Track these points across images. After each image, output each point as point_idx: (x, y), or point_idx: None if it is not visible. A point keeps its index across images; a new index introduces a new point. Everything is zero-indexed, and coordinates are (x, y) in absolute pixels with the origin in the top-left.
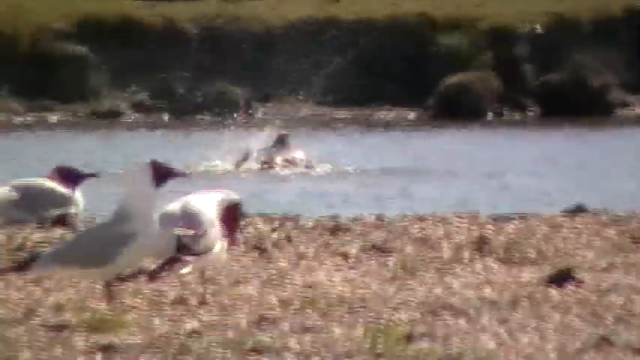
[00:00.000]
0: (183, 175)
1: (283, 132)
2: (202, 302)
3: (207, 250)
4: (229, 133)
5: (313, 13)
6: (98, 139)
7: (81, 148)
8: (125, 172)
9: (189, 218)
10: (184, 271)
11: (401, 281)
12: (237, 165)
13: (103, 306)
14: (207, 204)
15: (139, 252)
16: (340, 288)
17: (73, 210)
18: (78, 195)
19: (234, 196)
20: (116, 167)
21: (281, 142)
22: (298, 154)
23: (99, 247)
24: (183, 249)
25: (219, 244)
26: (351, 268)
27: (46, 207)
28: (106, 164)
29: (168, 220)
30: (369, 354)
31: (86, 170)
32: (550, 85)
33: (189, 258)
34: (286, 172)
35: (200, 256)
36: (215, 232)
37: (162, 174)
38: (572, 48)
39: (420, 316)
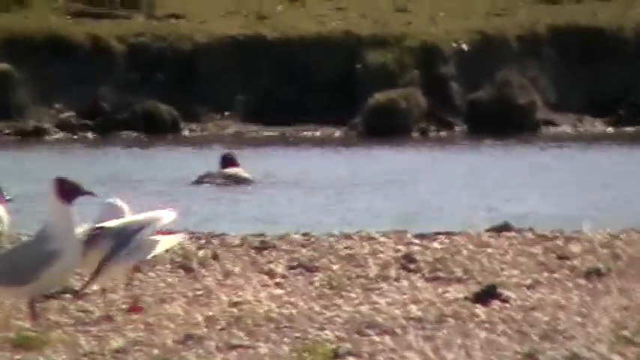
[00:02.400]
0: (89, 194)
1: (228, 152)
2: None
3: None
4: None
5: (240, 31)
6: (22, 157)
7: (4, 166)
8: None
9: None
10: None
11: (327, 299)
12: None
13: (27, 324)
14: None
15: (62, 270)
16: (266, 306)
17: None
18: (2, 212)
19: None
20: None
21: (229, 162)
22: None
23: (21, 266)
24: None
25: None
26: (278, 286)
27: None
28: (31, 183)
29: (101, 235)
30: None
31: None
32: (476, 103)
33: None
34: (219, 188)
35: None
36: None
37: (67, 191)
38: (498, 66)
39: (346, 335)
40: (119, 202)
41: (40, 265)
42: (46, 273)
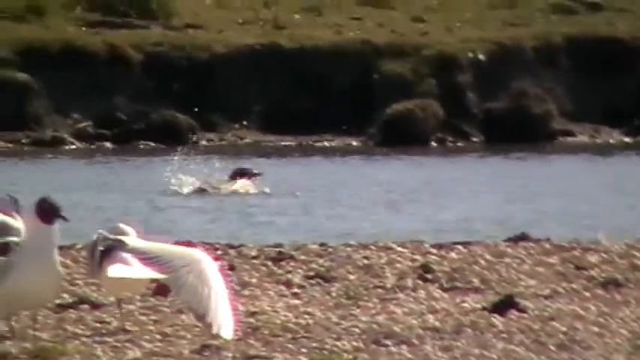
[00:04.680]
0: (63, 218)
1: (245, 167)
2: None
3: None
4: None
5: (257, 40)
6: (40, 167)
7: (24, 176)
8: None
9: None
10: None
11: (344, 309)
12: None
13: (44, 334)
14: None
15: (20, 288)
16: (284, 316)
17: (15, 239)
18: (19, 223)
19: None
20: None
21: (241, 175)
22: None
23: None
24: None
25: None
26: (295, 296)
27: None
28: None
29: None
30: None
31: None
32: (493, 113)
33: None
34: (231, 199)
35: None
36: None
37: (47, 212)
38: (514, 76)
39: (363, 345)
40: (125, 227)
41: None
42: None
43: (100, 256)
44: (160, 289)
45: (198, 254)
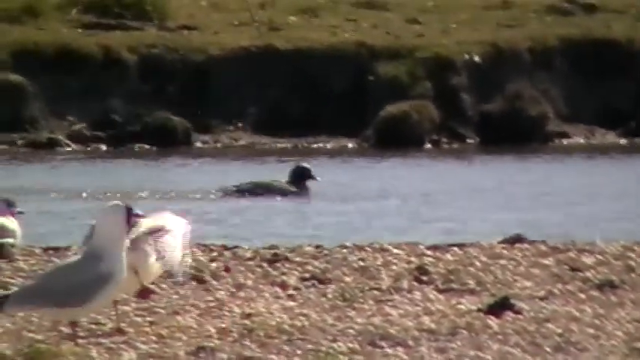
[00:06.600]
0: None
1: (303, 165)
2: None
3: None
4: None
5: (252, 42)
6: (36, 169)
7: (20, 178)
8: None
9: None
10: None
11: (340, 311)
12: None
13: (39, 336)
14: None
15: (113, 292)
16: (279, 318)
17: (10, 240)
18: (15, 225)
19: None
20: (54, 198)
21: (300, 177)
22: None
23: (76, 287)
24: None
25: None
26: (290, 297)
27: None
28: (44, 195)
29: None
30: None
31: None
32: (488, 115)
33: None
34: (229, 202)
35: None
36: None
37: (130, 219)
38: (510, 78)
39: (358, 346)
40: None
41: (96, 286)
42: (101, 295)
43: None
44: (142, 293)
45: (176, 218)
